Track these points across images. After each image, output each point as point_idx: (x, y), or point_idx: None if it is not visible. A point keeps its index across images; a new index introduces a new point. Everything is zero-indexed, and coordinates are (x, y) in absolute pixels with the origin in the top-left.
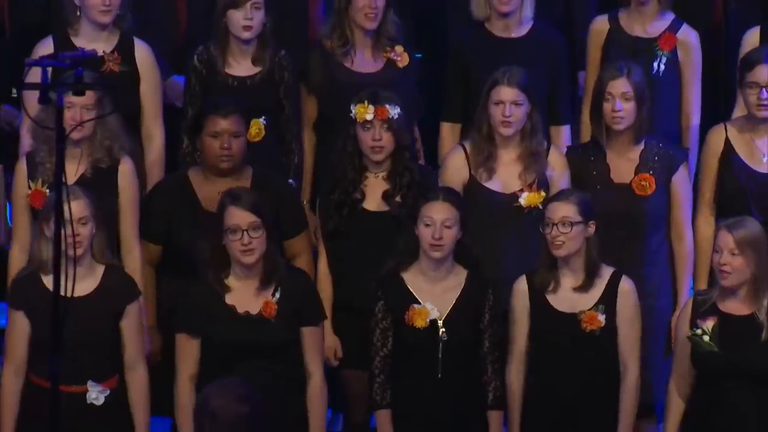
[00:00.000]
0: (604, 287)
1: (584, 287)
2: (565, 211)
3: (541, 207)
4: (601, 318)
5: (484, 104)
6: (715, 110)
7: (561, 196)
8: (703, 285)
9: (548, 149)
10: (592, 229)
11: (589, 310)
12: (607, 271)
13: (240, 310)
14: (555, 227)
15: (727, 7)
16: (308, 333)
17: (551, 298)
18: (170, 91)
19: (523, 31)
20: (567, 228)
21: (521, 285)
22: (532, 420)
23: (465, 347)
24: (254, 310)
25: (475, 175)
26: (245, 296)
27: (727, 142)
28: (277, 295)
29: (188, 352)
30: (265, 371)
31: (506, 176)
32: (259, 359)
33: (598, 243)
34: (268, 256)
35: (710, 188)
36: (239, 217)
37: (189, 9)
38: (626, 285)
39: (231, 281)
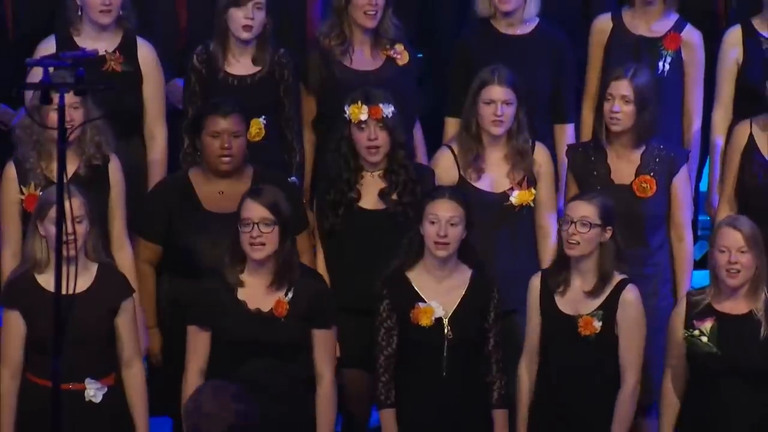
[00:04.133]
0: (607, 294)
1: (594, 292)
2: (585, 211)
3: (531, 205)
4: (597, 324)
5: (473, 103)
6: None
7: (584, 196)
8: None
9: (533, 146)
10: (608, 234)
11: (587, 314)
12: (615, 278)
13: (251, 306)
14: (573, 225)
15: (729, 7)
16: (319, 336)
17: (558, 299)
18: (172, 94)
19: (527, 28)
20: (585, 228)
21: (535, 281)
22: (535, 419)
23: (470, 346)
24: (265, 308)
25: (464, 175)
26: (257, 293)
27: (751, 138)
28: (290, 295)
29: (198, 345)
30: (274, 371)
31: (495, 175)
32: (267, 358)
33: (614, 249)
34: (280, 255)
35: (731, 183)
36: (252, 210)
37: (189, 11)
38: (629, 294)
39: (245, 277)
